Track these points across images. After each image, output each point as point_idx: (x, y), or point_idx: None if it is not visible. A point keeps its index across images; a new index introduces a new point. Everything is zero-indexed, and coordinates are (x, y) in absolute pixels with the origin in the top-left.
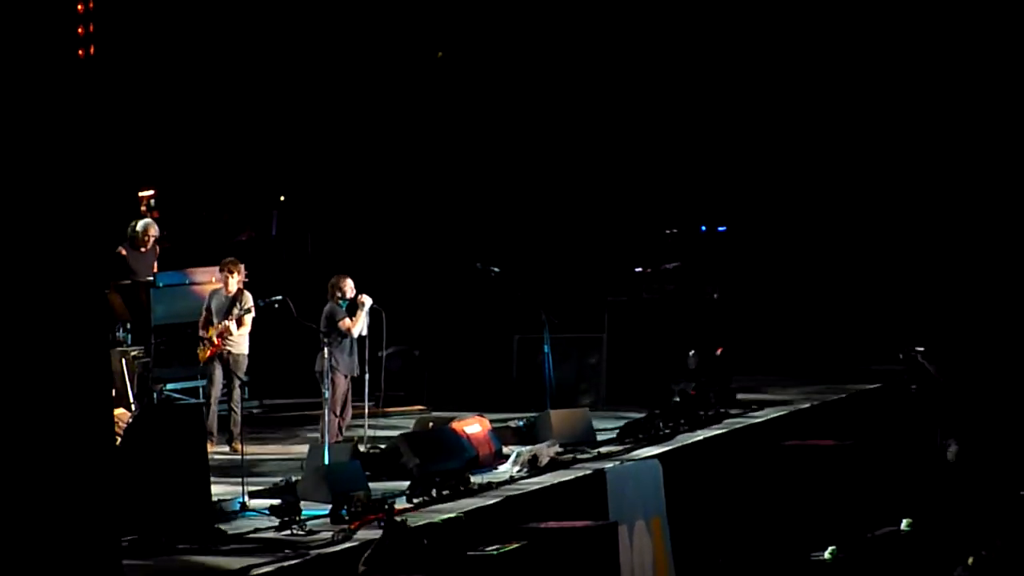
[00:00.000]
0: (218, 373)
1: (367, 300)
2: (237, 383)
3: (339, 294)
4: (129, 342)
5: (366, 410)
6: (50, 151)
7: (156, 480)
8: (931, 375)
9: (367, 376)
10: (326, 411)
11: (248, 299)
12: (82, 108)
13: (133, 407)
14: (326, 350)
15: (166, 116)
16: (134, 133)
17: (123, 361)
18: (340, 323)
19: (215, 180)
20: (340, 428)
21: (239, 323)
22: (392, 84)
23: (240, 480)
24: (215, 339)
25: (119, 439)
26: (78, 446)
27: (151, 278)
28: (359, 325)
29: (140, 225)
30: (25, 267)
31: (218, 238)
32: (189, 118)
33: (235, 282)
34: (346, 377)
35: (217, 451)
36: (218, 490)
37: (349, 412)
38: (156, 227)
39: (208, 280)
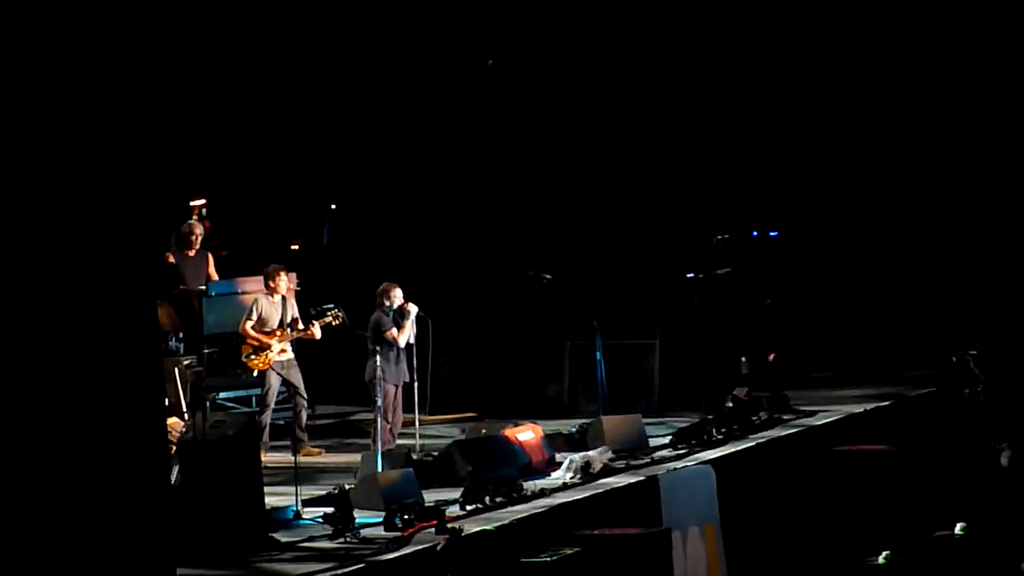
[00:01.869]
0: (276, 380)
1: (413, 308)
2: (302, 388)
3: (387, 303)
4: (182, 351)
5: (416, 418)
6: (103, 160)
7: (211, 489)
8: (983, 379)
9: (415, 384)
10: (378, 419)
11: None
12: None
13: (186, 416)
14: (377, 358)
15: (219, 124)
16: (187, 141)
17: (176, 370)
18: (387, 333)
19: (267, 189)
20: (392, 435)
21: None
22: (443, 91)
23: (294, 488)
24: (278, 346)
25: (173, 448)
26: (132, 456)
27: (203, 287)
28: (405, 334)
29: (185, 225)
30: (78, 277)
31: (270, 247)
32: (242, 126)
33: (284, 287)
34: (396, 386)
35: (272, 460)
36: (272, 499)
37: (399, 420)
38: (201, 226)
39: (260, 290)
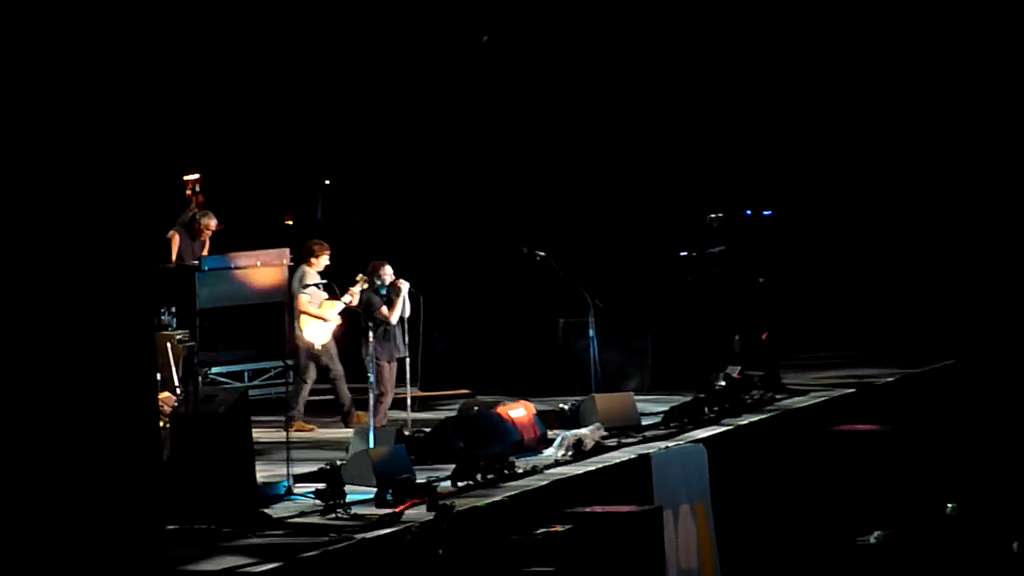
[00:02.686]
0: (324, 354)
1: (404, 285)
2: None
3: (377, 281)
4: (174, 326)
5: (408, 394)
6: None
7: (202, 464)
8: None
9: (407, 360)
10: (371, 396)
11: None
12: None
13: (178, 391)
14: (370, 336)
15: (211, 99)
16: (179, 116)
17: (168, 345)
18: (378, 312)
19: (261, 163)
20: (381, 413)
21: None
22: (437, 67)
23: (285, 463)
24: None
25: (164, 423)
26: (123, 430)
27: (195, 261)
28: (397, 311)
29: (201, 215)
30: (69, 250)
31: (263, 222)
32: (234, 101)
33: (325, 262)
34: (390, 363)
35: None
36: (263, 474)
37: (390, 396)
38: (215, 221)
39: (253, 264)
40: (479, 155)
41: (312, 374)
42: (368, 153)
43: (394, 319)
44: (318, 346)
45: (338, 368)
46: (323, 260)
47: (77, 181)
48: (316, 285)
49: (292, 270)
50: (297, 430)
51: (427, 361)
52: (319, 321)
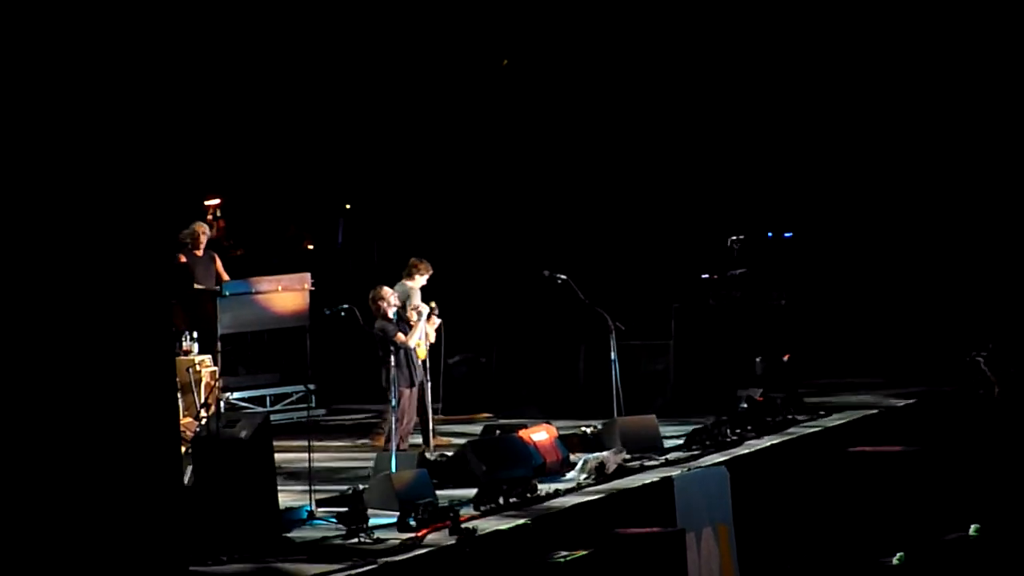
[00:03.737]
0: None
1: (424, 309)
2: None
3: (384, 305)
4: (196, 351)
5: (430, 417)
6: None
7: (224, 489)
8: (994, 380)
9: (428, 384)
10: (393, 420)
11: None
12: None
13: (200, 416)
14: (391, 362)
15: (233, 124)
16: (200, 141)
17: (189, 370)
18: (396, 337)
19: (281, 188)
20: (401, 436)
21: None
22: (456, 91)
23: (307, 489)
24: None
25: (186, 449)
26: (145, 455)
27: (217, 287)
28: (415, 336)
29: (190, 227)
30: (92, 276)
31: (284, 247)
32: (255, 125)
33: (426, 279)
34: (411, 388)
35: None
36: (285, 498)
37: (412, 422)
38: (206, 226)
39: (274, 289)
40: (499, 179)
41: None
42: (388, 177)
43: (412, 343)
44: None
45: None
46: (423, 278)
47: (97, 205)
48: (340, 311)
49: (312, 296)
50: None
51: (448, 385)
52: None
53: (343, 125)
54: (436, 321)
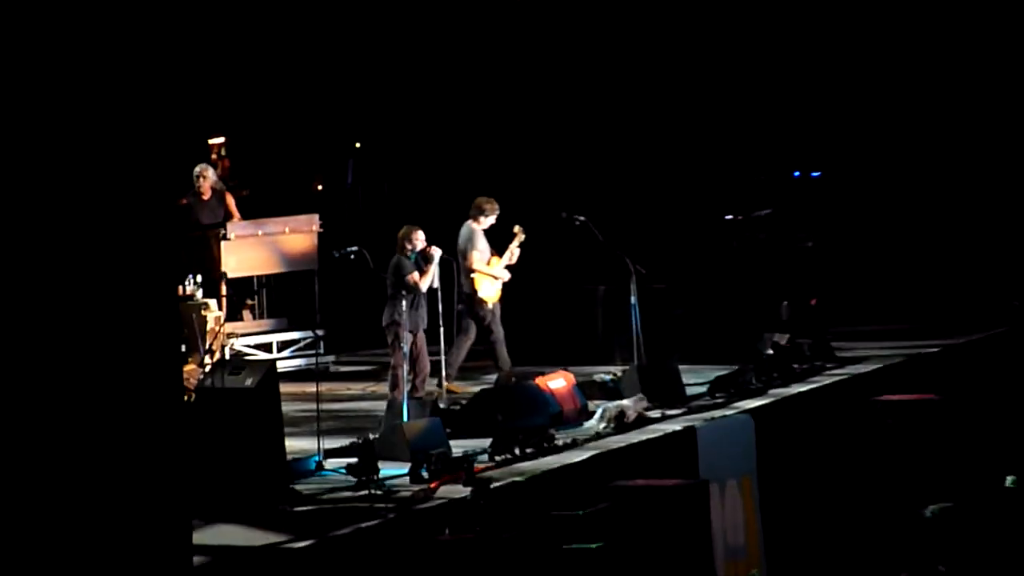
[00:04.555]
0: (491, 312)
1: (437, 252)
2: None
3: (408, 246)
4: (200, 295)
5: (443, 365)
6: (112, 96)
7: (229, 439)
8: None
9: (442, 329)
10: (405, 366)
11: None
12: (150, 51)
13: (204, 363)
14: (402, 303)
15: (237, 59)
16: (203, 78)
17: (193, 315)
18: (408, 278)
19: (288, 127)
20: (416, 385)
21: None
22: (474, 24)
23: (316, 438)
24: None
25: (189, 396)
26: (146, 403)
27: (222, 229)
28: (428, 279)
29: (196, 168)
30: (88, 216)
31: (291, 187)
32: (261, 61)
33: (493, 220)
34: (414, 333)
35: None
36: (292, 448)
37: (427, 368)
38: (211, 169)
39: (281, 231)
40: (514, 116)
41: (473, 334)
42: (400, 115)
43: (424, 286)
44: (489, 304)
45: (499, 330)
46: (491, 218)
47: (95, 144)
48: (349, 254)
49: (321, 237)
50: (448, 391)
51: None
52: (490, 279)
53: (352, 58)
54: (516, 252)
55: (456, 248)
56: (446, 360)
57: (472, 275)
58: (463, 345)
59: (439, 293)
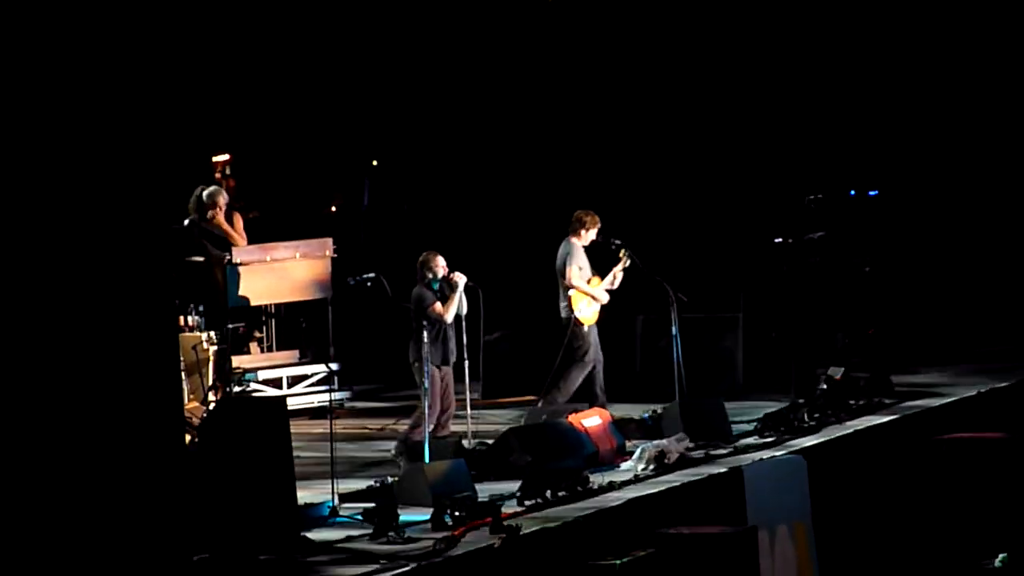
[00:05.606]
0: (595, 336)
1: (461, 279)
2: None
3: (429, 275)
4: (202, 327)
5: (468, 401)
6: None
7: (235, 483)
8: None
9: (467, 363)
10: (425, 404)
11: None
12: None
13: (208, 400)
14: (424, 336)
15: (245, 71)
16: (208, 91)
17: (195, 348)
18: (430, 309)
19: (300, 143)
20: (440, 423)
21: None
22: (504, 32)
23: (330, 481)
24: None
25: (192, 437)
26: (145, 446)
27: (227, 255)
28: (452, 309)
29: (207, 193)
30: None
31: (303, 209)
32: (271, 72)
33: (594, 235)
34: (440, 368)
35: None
36: (304, 493)
37: (452, 406)
38: (225, 194)
39: (291, 256)
40: (545, 132)
41: (596, 355)
42: (421, 130)
43: (449, 317)
44: (586, 327)
45: (598, 355)
46: (592, 233)
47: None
48: (365, 281)
49: (335, 263)
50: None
51: (488, 364)
52: (588, 299)
53: (370, 72)
54: (619, 276)
55: (555, 267)
56: (555, 388)
57: (571, 294)
58: (574, 375)
59: (463, 322)
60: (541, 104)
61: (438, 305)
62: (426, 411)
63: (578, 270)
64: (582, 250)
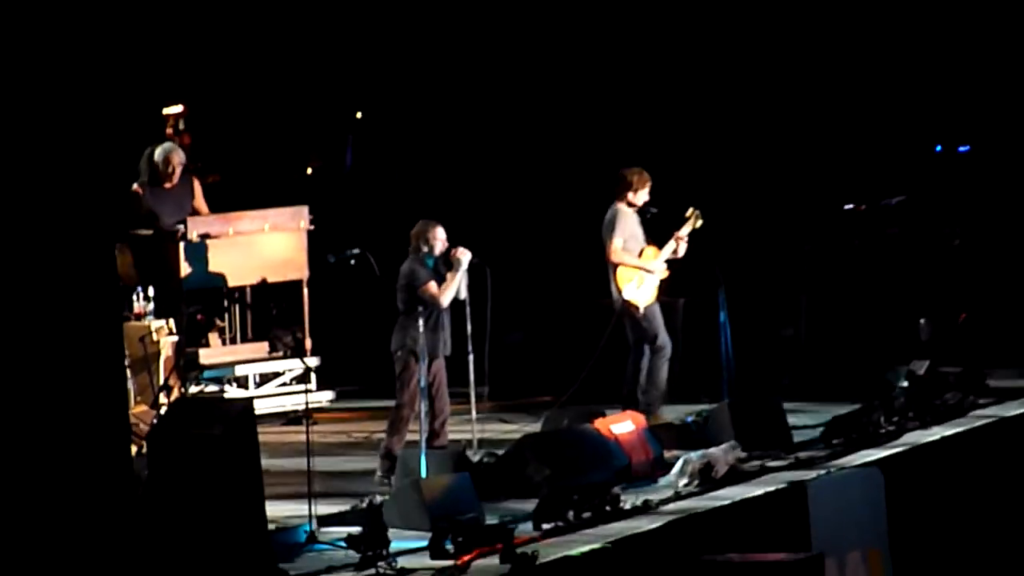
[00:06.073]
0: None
1: (465, 256)
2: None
3: (425, 248)
4: (153, 314)
5: (473, 404)
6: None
7: (193, 505)
8: None
9: (471, 357)
10: (422, 406)
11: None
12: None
13: (160, 402)
14: (418, 322)
15: (202, 6)
16: (158, 33)
17: (143, 340)
18: (421, 289)
19: (269, 92)
20: (435, 430)
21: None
22: None
23: (307, 501)
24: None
25: (139, 447)
26: (81, 459)
27: (180, 226)
28: (450, 291)
29: (159, 152)
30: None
31: (274, 171)
32: (233, 8)
33: (645, 196)
34: (429, 362)
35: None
36: (276, 514)
37: (447, 408)
38: (182, 153)
39: (259, 228)
40: (577, 71)
41: (667, 339)
42: (415, 74)
43: (445, 300)
44: (642, 309)
45: (663, 342)
46: (642, 194)
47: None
48: (348, 258)
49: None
50: (654, 423)
51: (498, 357)
52: (642, 275)
53: (352, 7)
54: (684, 243)
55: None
56: (641, 389)
57: (617, 270)
58: (655, 366)
59: (467, 308)
60: (573, 36)
61: (432, 285)
62: (422, 415)
63: (621, 240)
64: (631, 217)
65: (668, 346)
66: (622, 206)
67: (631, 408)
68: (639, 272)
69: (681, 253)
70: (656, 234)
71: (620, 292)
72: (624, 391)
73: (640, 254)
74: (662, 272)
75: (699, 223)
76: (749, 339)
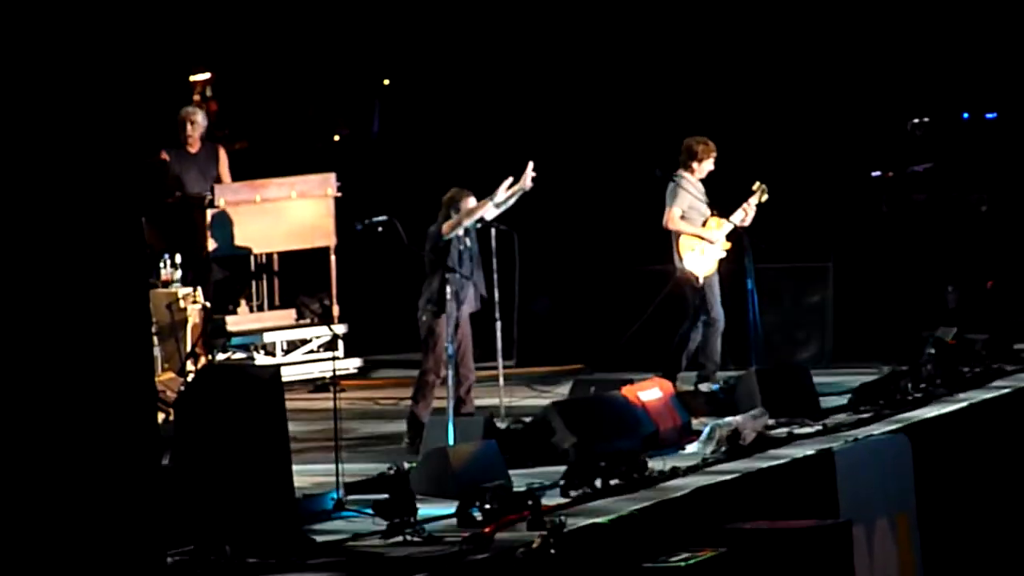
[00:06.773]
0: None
1: (527, 182)
2: None
3: (453, 213)
4: (180, 281)
5: (500, 370)
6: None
7: (219, 471)
8: None
9: (499, 323)
10: (450, 369)
11: None
12: None
13: (187, 369)
14: (447, 283)
15: None
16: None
17: (170, 307)
18: (460, 206)
19: (296, 59)
20: (462, 397)
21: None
22: None
23: (334, 468)
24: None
25: (166, 415)
26: (108, 426)
27: (207, 194)
28: (460, 226)
29: (182, 112)
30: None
31: (300, 138)
32: None
33: (710, 166)
34: (458, 320)
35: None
36: (303, 482)
37: (472, 374)
38: (201, 114)
39: (286, 196)
40: (589, 44)
41: (720, 313)
42: (442, 40)
43: (490, 213)
44: (701, 279)
45: (717, 315)
46: (707, 165)
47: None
48: (376, 225)
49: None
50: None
51: (524, 325)
52: (703, 244)
53: None
54: (750, 214)
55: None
56: (700, 361)
57: (680, 239)
58: (707, 338)
59: (495, 274)
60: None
61: (472, 200)
62: (450, 381)
63: (680, 211)
64: (696, 186)
65: (721, 319)
66: (687, 175)
67: (671, 374)
68: (701, 242)
69: (748, 223)
70: (722, 205)
71: (681, 260)
72: (672, 357)
73: (704, 224)
74: (724, 243)
75: (765, 197)
76: (777, 306)
